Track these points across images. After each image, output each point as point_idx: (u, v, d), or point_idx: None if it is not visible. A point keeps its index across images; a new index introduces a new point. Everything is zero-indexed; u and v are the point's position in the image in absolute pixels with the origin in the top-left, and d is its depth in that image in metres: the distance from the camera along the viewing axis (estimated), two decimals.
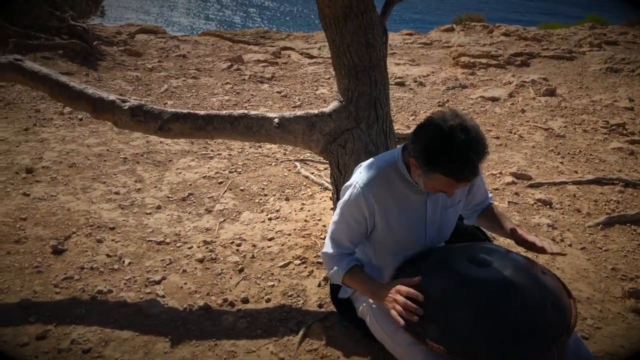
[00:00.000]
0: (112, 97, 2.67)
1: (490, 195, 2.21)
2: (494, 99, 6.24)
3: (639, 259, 3.05)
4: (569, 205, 3.67)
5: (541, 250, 1.91)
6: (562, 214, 3.56)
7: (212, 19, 26.61)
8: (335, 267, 1.96)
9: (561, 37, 10.12)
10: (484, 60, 8.10)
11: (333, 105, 2.54)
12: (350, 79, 2.45)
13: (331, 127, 2.51)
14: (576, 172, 4.27)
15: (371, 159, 1.98)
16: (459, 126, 1.59)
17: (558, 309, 1.72)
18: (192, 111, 2.61)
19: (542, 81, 6.89)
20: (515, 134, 5.10)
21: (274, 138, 2.58)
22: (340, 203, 1.96)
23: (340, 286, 2.17)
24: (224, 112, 2.59)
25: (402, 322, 1.68)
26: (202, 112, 2.60)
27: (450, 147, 1.59)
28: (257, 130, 2.56)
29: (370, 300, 2.00)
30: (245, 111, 2.59)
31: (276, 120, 2.52)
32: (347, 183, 1.96)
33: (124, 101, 2.64)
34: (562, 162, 4.46)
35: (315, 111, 2.53)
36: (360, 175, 1.91)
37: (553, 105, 6.05)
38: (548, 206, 3.64)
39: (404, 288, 1.73)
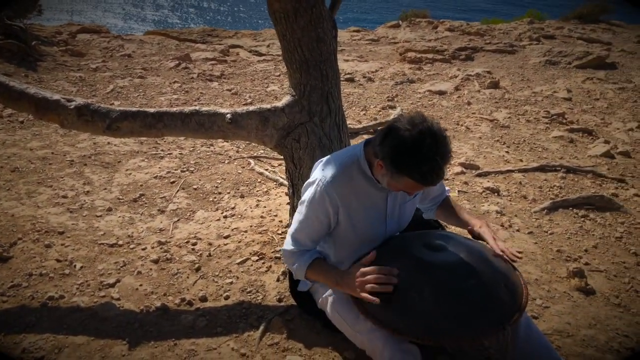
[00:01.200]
0: (56, 96, 2.58)
1: (447, 189, 2.26)
2: (440, 93, 6.39)
3: (581, 240, 3.21)
4: (515, 192, 3.82)
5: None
6: (510, 200, 3.70)
7: (149, 20, 25.85)
8: (297, 263, 1.96)
9: (502, 31, 10.48)
10: (429, 55, 8.29)
11: (286, 99, 2.54)
12: (302, 74, 2.46)
13: (284, 121, 2.52)
14: (521, 160, 4.44)
15: (331, 155, 1.98)
16: (428, 131, 1.62)
17: (510, 290, 1.80)
18: (141, 109, 2.56)
19: (486, 74, 7.12)
20: (462, 125, 5.25)
21: (226, 134, 2.56)
22: (303, 201, 1.94)
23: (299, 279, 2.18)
24: (175, 109, 2.55)
25: (377, 300, 1.69)
26: (151, 110, 2.55)
27: (418, 153, 1.62)
28: (209, 127, 2.53)
29: (330, 291, 2.02)
30: (197, 108, 2.56)
31: (229, 115, 2.50)
32: (309, 180, 1.95)
33: (69, 100, 2.55)
34: (507, 152, 4.63)
35: (268, 106, 2.53)
36: (322, 172, 1.90)
37: (497, 97, 6.26)
38: (496, 194, 3.77)
39: (370, 268, 1.75)
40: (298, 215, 1.95)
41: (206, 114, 2.53)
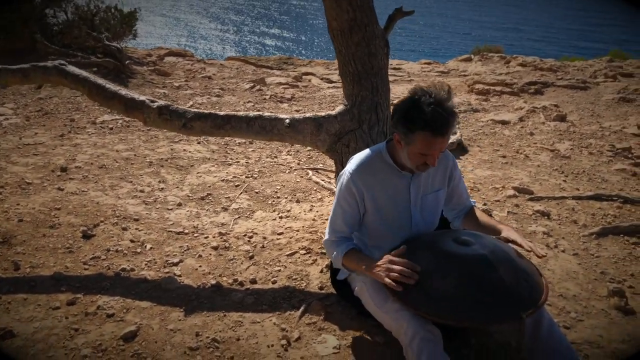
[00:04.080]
0: (142, 97, 2.99)
1: (473, 201, 2.43)
2: (504, 122, 6.46)
3: (628, 266, 3.21)
4: (566, 217, 3.85)
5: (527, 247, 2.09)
6: (559, 224, 3.74)
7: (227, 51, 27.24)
8: (335, 252, 2.20)
9: (577, 68, 10.32)
10: (498, 88, 8.34)
11: (339, 108, 2.82)
12: (354, 85, 2.73)
13: (336, 127, 2.79)
14: (577, 189, 4.43)
15: (361, 152, 2.25)
16: (426, 93, 1.92)
17: (530, 285, 1.94)
18: (212, 111, 2.91)
19: (553, 107, 7.10)
20: (521, 154, 5.30)
21: (284, 137, 2.86)
22: (336, 192, 2.22)
23: (339, 269, 2.41)
24: (241, 113, 2.89)
25: (398, 287, 1.89)
26: (221, 113, 2.90)
27: (421, 106, 1.90)
28: (270, 130, 2.84)
29: (364, 279, 2.23)
30: (261, 113, 2.88)
31: (287, 120, 2.80)
32: (340, 172, 2.23)
33: (152, 101, 2.96)
34: (564, 180, 4.64)
35: (323, 113, 2.81)
36: (350, 164, 2.19)
37: (562, 129, 6.23)
38: (546, 217, 3.82)
39: (398, 259, 1.95)
40: (333, 205, 2.21)
41: (268, 119, 2.85)
